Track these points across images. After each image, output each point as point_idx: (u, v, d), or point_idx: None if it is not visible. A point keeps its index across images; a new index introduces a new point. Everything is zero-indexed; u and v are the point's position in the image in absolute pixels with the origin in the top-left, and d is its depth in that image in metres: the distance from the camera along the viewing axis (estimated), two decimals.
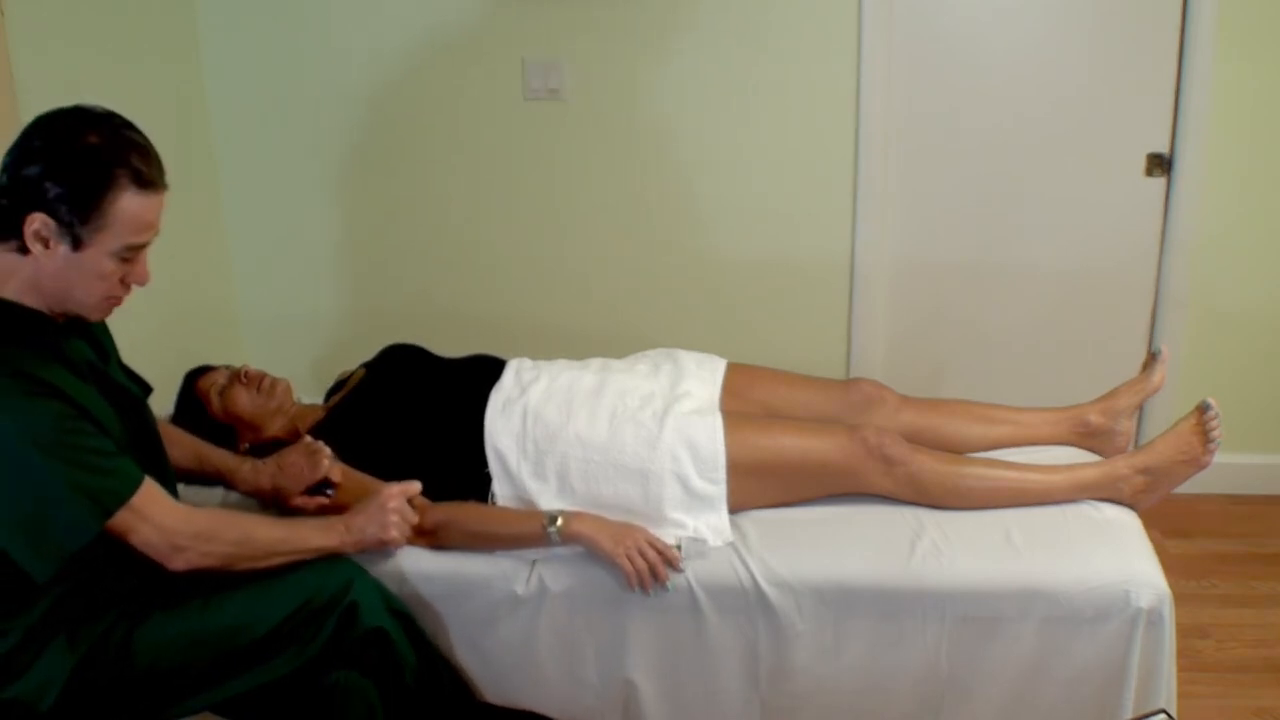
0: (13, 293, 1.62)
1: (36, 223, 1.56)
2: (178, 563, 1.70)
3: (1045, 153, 3.17)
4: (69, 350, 1.67)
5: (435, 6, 3.12)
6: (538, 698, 2.11)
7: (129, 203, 1.59)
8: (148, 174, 1.61)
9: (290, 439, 2.31)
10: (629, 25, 3.10)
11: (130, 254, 1.63)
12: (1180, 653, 2.04)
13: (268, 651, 1.79)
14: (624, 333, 3.25)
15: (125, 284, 1.68)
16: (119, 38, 2.79)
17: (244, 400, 2.33)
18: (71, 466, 1.58)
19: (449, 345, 2.60)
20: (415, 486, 2.01)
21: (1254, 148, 3.08)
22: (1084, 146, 3.15)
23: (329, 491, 2.11)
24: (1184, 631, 2.21)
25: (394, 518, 1.95)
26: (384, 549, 2.00)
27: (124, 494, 1.63)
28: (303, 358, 3.40)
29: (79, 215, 1.57)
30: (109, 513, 1.61)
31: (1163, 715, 1.73)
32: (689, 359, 2.42)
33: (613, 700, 2.10)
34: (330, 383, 2.60)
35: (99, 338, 1.80)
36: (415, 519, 2.01)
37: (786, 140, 3.17)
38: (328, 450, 2.11)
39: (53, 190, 1.55)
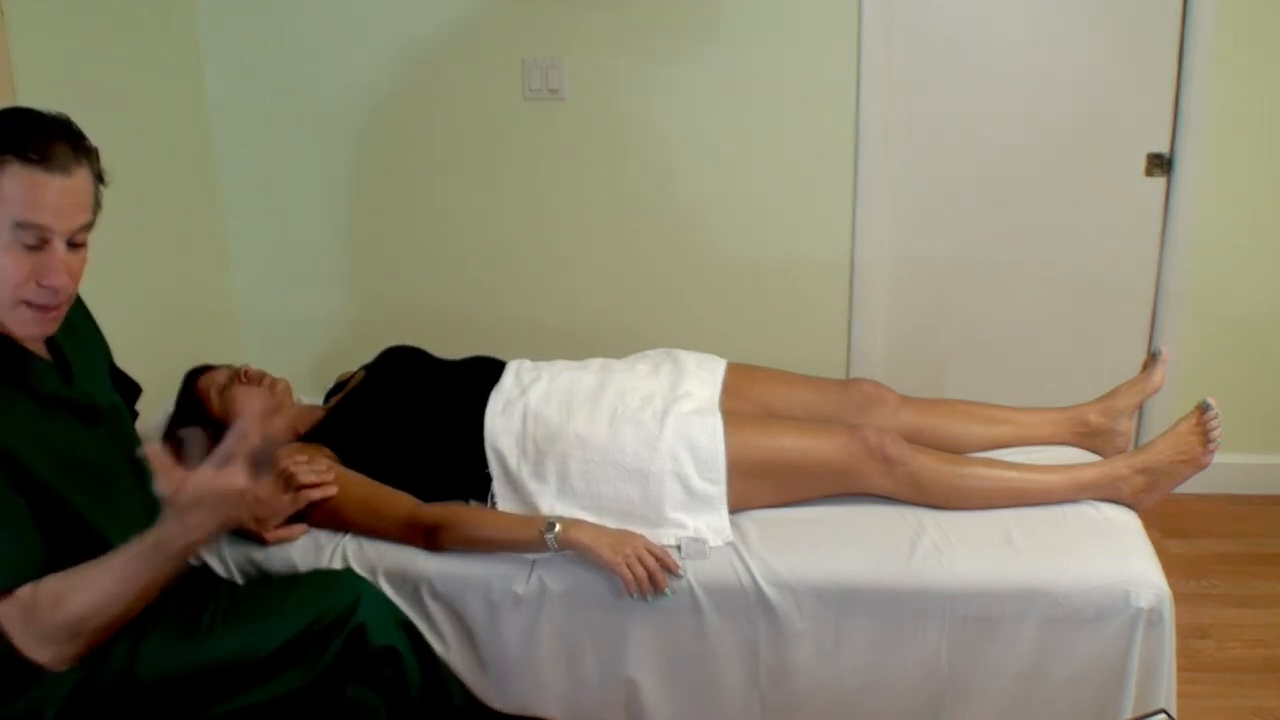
0: None
1: None
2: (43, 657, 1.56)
3: (1045, 152, 3.17)
4: (32, 377, 1.61)
5: (435, 6, 3.12)
6: (538, 698, 2.11)
7: (15, 180, 1.51)
8: (36, 147, 1.53)
9: (289, 439, 2.31)
10: (629, 25, 3.10)
11: (29, 238, 1.54)
12: (1180, 653, 2.04)
13: (272, 670, 1.77)
14: (624, 333, 3.25)
15: (41, 285, 1.57)
16: (119, 37, 2.79)
17: (244, 399, 2.33)
18: None
19: (448, 346, 2.60)
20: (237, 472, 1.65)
21: (1254, 148, 3.08)
22: (1084, 146, 3.15)
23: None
24: (1184, 631, 2.21)
25: (226, 509, 1.64)
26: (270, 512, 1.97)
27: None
28: (303, 358, 3.40)
29: None
30: None
31: (1163, 715, 1.73)
32: (689, 359, 2.43)
33: (613, 700, 2.10)
34: (330, 383, 2.61)
35: (64, 353, 1.72)
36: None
37: (786, 140, 3.17)
38: (304, 475, 2.08)
39: None
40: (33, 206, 1.53)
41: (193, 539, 1.59)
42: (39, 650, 1.55)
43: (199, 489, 1.56)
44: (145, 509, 1.77)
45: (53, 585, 1.56)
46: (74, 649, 1.58)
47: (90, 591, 1.56)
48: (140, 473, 1.78)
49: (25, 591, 1.54)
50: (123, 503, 1.73)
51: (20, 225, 1.53)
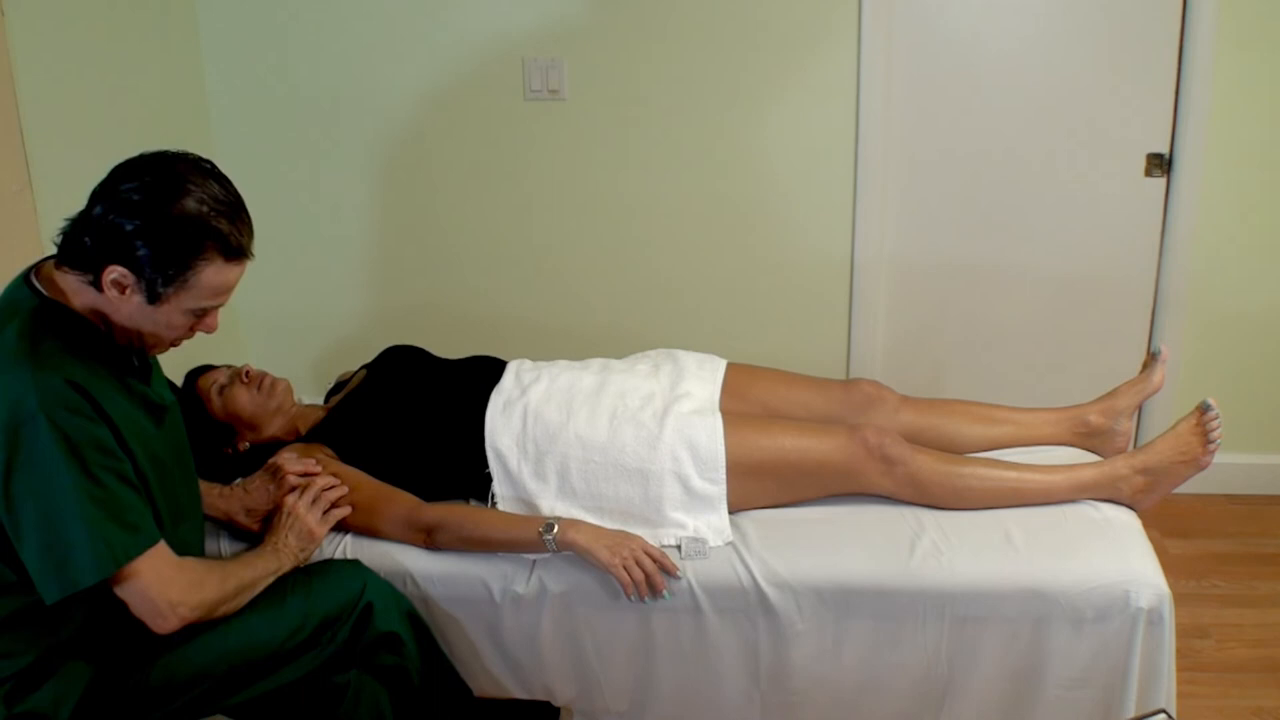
0: (81, 308, 1.61)
1: (116, 273, 1.55)
2: (171, 621, 1.64)
3: (1045, 153, 3.17)
4: (127, 374, 1.67)
5: (435, 6, 3.12)
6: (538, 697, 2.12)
7: (214, 273, 1.59)
8: (237, 243, 1.61)
9: (289, 439, 2.31)
10: (629, 25, 3.10)
11: (204, 311, 1.65)
12: (1180, 653, 2.04)
13: (283, 660, 1.79)
14: (624, 333, 3.25)
15: (193, 331, 1.68)
16: (119, 37, 2.79)
17: (244, 399, 2.32)
18: (99, 507, 1.54)
19: (449, 346, 2.60)
20: (316, 481, 2.07)
21: (1254, 147, 3.08)
22: (1084, 147, 3.15)
23: None
24: (1184, 631, 2.22)
25: (309, 519, 1.97)
26: (317, 541, 1.99)
27: (138, 550, 1.60)
28: (303, 358, 3.40)
29: (161, 277, 1.56)
30: (119, 563, 1.57)
31: (1163, 715, 1.73)
32: (689, 359, 2.42)
33: (613, 699, 2.10)
34: (330, 383, 2.61)
35: (143, 354, 1.78)
36: (326, 493, 2.04)
37: (786, 140, 3.17)
38: (292, 466, 2.09)
39: (140, 250, 1.54)
40: (221, 293, 1.64)
41: (304, 551, 1.92)
42: (188, 610, 1.65)
43: (301, 517, 1.97)
44: (187, 509, 1.83)
45: (216, 563, 1.78)
46: (196, 619, 1.68)
47: (241, 577, 1.76)
48: (187, 473, 1.84)
49: (186, 560, 1.69)
50: (174, 500, 1.75)
51: (206, 308, 1.64)
